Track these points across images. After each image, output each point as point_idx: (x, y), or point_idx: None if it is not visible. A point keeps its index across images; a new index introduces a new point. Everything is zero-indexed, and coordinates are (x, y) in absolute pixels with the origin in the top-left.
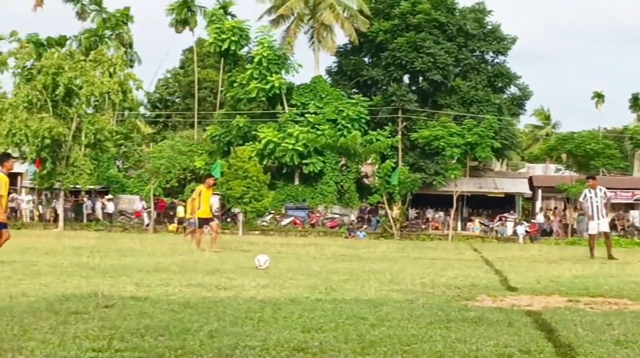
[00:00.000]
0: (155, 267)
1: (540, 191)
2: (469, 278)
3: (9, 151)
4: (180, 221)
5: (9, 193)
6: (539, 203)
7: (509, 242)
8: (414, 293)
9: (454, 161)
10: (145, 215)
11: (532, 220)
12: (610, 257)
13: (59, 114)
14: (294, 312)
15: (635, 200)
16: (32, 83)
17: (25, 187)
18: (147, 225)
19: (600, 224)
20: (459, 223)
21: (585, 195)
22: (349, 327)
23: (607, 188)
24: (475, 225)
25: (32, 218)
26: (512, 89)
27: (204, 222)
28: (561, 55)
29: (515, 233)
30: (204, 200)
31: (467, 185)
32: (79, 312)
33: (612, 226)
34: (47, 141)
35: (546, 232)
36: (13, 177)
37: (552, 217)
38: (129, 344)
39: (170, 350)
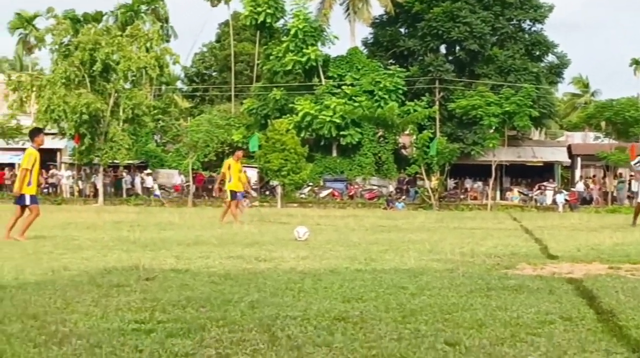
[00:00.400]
0: (195, 240)
1: (579, 159)
2: (508, 247)
3: (44, 127)
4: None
5: (49, 168)
6: (578, 172)
7: (548, 211)
8: (453, 263)
9: (492, 130)
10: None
11: (572, 189)
12: None
13: (96, 90)
14: (334, 283)
15: None
16: (70, 59)
17: (65, 163)
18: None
19: None
20: (498, 193)
21: (639, 162)
22: (389, 296)
23: None
24: (514, 195)
25: (72, 194)
26: (550, 58)
27: (234, 194)
28: (599, 23)
29: (554, 202)
30: (234, 173)
31: (505, 155)
32: (121, 285)
33: None
34: (85, 117)
35: (586, 201)
36: (53, 153)
37: (591, 185)
38: (170, 316)
39: (211, 321)
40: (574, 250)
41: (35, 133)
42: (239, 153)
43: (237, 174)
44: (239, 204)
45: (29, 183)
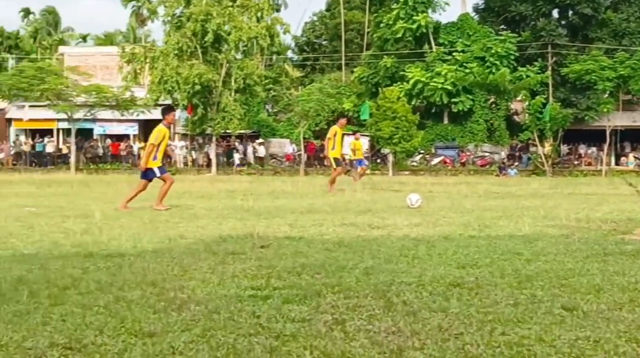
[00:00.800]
0: (308, 208)
1: None
2: (625, 213)
3: (158, 98)
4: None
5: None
6: None
7: None
8: (569, 229)
9: (606, 95)
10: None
11: None
12: None
13: (208, 60)
14: (448, 249)
15: None
16: (182, 30)
17: (178, 133)
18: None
19: None
20: (613, 159)
21: None
22: (504, 262)
23: None
24: (630, 160)
25: (185, 164)
26: None
27: (338, 161)
28: None
29: None
30: (338, 141)
31: (620, 120)
32: (236, 253)
33: None
34: (198, 87)
35: None
36: None
37: None
38: (286, 282)
39: (327, 287)
40: None
41: (166, 111)
42: (343, 120)
43: (341, 142)
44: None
45: (154, 158)
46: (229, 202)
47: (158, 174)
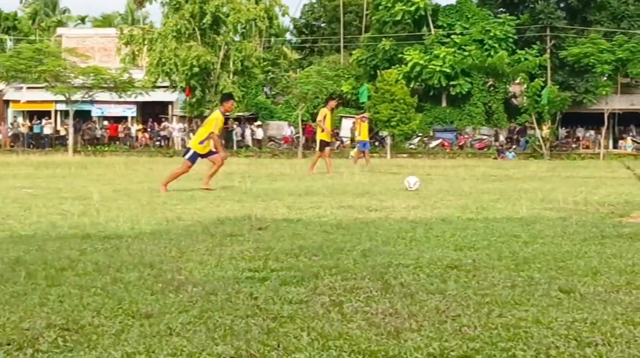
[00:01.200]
0: (306, 191)
1: None
2: (622, 196)
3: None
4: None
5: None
6: None
7: None
8: (566, 211)
9: (605, 78)
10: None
11: None
12: None
13: (206, 42)
14: (446, 231)
15: None
16: (180, 12)
17: (176, 116)
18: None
19: None
20: (611, 142)
21: None
22: (501, 244)
23: None
24: (628, 143)
25: (183, 146)
26: None
27: (325, 144)
28: None
29: None
30: (328, 124)
31: (618, 103)
32: (234, 235)
33: None
34: (196, 70)
35: None
36: (164, 106)
37: None
38: (284, 264)
39: (324, 269)
40: None
41: (224, 99)
42: (332, 102)
43: (330, 124)
44: (322, 155)
45: (200, 142)
46: (227, 183)
47: (198, 159)
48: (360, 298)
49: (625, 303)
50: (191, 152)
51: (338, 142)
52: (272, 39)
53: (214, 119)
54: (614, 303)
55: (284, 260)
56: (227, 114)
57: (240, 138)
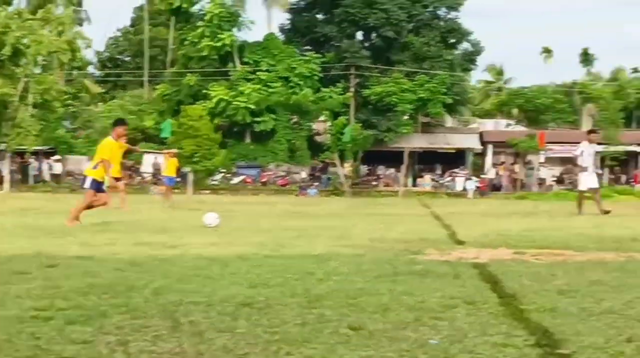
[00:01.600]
0: (103, 227)
1: (491, 146)
2: (417, 233)
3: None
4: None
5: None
6: (489, 159)
7: (459, 197)
8: (362, 248)
9: (406, 117)
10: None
11: (482, 176)
12: (603, 211)
13: (5, 74)
14: (242, 268)
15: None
16: None
17: None
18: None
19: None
20: (410, 180)
21: (581, 149)
22: (295, 282)
23: (557, 142)
24: (426, 181)
25: None
26: (465, 45)
27: (116, 180)
28: (512, 11)
29: (465, 188)
30: (115, 156)
31: (418, 141)
32: (22, 272)
33: (560, 180)
34: None
35: (496, 187)
36: None
37: (500, 172)
38: (71, 303)
39: (113, 308)
40: (482, 236)
41: (115, 124)
42: (120, 129)
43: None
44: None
45: (94, 167)
46: (19, 219)
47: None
48: (147, 338)
49: (412, 340)
50: (88, 180)
51: (139, 178)
52: (74, 72)
53: (104, 145)
54: (400, 340)
55: (72, 298)
56: (121, 139)
57: (37, 172)
